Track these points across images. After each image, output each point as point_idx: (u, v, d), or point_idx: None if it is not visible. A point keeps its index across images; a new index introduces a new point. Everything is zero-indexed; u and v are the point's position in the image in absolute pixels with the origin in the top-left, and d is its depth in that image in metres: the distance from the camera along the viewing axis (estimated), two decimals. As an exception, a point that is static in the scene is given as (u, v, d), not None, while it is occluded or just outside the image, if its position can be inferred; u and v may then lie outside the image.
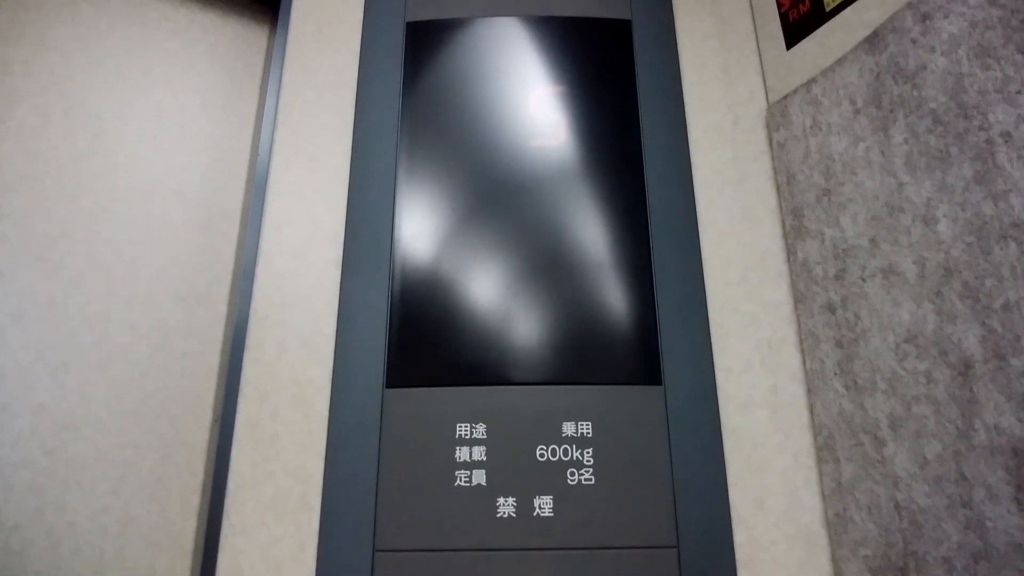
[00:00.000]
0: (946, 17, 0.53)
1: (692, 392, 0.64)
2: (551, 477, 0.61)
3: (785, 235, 0.71)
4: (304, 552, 0.59)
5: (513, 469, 0.61)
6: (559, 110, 0.74)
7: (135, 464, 0.66)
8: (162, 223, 0.75)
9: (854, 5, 0.64)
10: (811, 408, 0.65)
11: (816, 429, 0.64)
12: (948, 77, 0.53)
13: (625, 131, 0.73)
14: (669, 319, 0.66)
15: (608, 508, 0.60)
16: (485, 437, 0.62)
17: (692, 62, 0.79)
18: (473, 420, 0.62)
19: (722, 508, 0.61)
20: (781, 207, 0.72)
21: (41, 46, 0.75)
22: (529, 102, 0.74)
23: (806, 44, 0.71)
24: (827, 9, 0.68)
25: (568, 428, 0.62)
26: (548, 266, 0.67)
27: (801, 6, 0.72)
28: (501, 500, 0.60)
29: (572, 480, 0.61)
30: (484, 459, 0.61)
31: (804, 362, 0.67)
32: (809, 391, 0.66)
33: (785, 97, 0.72)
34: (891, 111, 0.58)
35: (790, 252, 0.70)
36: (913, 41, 0.56)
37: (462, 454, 0.61)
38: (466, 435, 0.62)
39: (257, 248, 0.69)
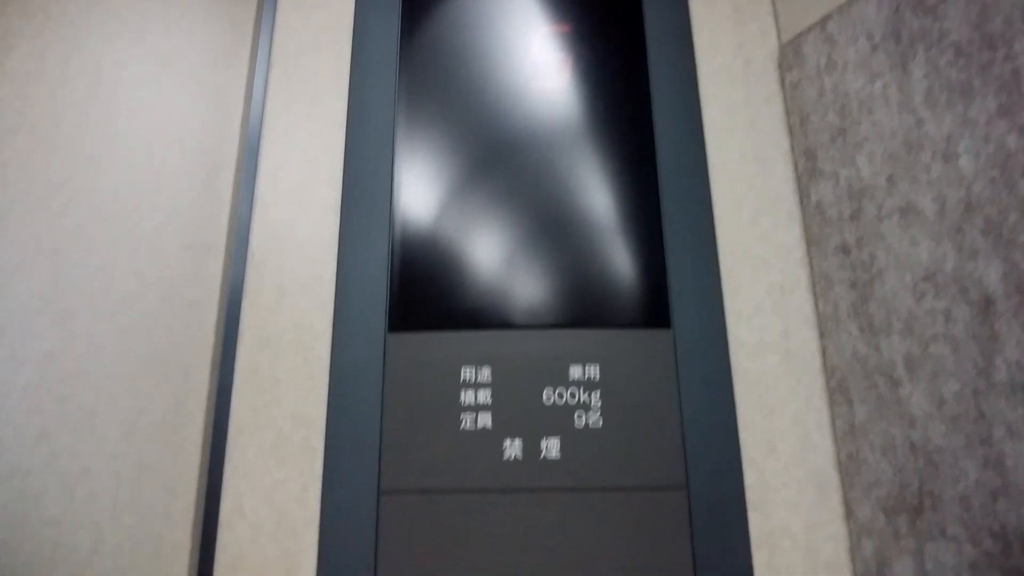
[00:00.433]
0: (971, -63, 0.51)
1: (702, 336, 0.63)
2: (558, 420, 0.60)
3: (798, 177, 0.69)
4: (308, 494, 0.59)
5: (519, 412, 0.60)
6: (564, 50, 0.72)
7: (147, 410, 0.67)
8: (165, 170, 0.74)
9: (872, -66, 0.62)
10: (823, 351, 0.64)
11: (829, 372, 0.63)
12: (972, 7, 0.51)
13: (632, 72, 0.71)
14: (678, 263, 0.65)
15: (617, 450, 0.59)
16: (490, 380, 0.61)
17: (701, 1, 0.76)
18: (478, 363, 0.61)
19: (732, 450, 0.60)
20: (794, 149, 0.70)
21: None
22: (533, 42, 0.72)
23: (820, -20, 0.68)
24: (844, -61, 0.65)
25: (575, 371, 0.61)
26: (554, 208, 0.66)
27: (816, -62, 0.69)
28: (507, 442, 0.59)
29: (580, 423, 0.60)
30: (489, 402, 0.60)
31: (817, 305, 0.65)
32: (822, 334, 0.64)
33: (798, 35, 0.69)
34: (911, 45, 0.56)
35: (803, 194, 0.68)
36: (935, -33, 0.54)
37: (467, 397, 0.60)
38: (471, 379, 0.61)
39: (253, 192, 0.68)
